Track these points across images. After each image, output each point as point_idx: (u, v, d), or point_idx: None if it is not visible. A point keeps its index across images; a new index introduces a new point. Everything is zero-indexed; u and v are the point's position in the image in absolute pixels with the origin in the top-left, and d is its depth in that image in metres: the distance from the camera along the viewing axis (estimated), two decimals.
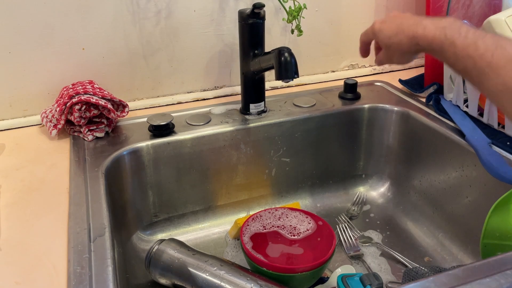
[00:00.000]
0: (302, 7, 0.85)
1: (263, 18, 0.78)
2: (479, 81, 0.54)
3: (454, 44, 0.55)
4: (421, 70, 1.00)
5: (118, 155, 0.75)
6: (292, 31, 0.88)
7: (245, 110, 0.86)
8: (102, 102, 0.77)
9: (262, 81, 0.84)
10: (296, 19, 0.86)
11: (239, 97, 0.88)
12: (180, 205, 0.85)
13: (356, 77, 1.02)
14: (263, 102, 0.86)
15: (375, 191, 0.96)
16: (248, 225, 0.73)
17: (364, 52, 0.75)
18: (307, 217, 0.75)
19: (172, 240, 0.70)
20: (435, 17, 0.62)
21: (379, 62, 0.73)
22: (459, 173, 0.78)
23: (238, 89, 0.94)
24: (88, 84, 0.83)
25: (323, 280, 0.72)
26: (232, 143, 0.84)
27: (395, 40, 0.64)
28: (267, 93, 0.88)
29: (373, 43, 0.73)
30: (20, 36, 0.80)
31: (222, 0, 0.89)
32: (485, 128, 0.78)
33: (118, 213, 0.74)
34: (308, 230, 0.74)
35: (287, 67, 0.71)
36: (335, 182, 0.95)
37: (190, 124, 0.83)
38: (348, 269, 0.72)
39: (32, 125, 0.86)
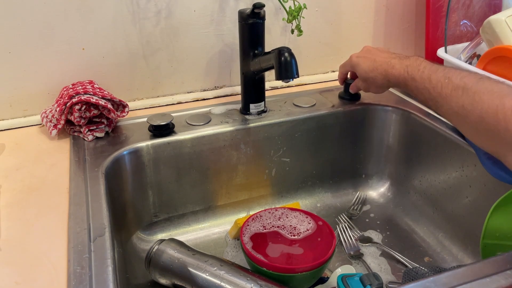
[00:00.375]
0: (302, 7, 0.85)
1: (263, 18, 0.78)
2: (436, 108, 0.64)
3: (414, 79, 0.66)
4: None
5: (118, 155, 0.75)
6: (292, 31, 0.88)
7: (245, 110, 0.86)
8: (102, 102, 0.78)
9: (262, 81, 0.84)
10: (296, 19, 0.86)
11: (239, 97, 0.88)
12: (180, 205, 0.85)
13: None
14: (263, 102, 0.86)
15: (375, 191, 0.96)
16: (248, 225, 0.73)
17: (342, 81, 0.89)
18: (307, 217, 0.75)
19: (172, 240, 0.70)
20: (403, 56, 0.72)
21: (356, 89, 0.85)
22: (459, 173, 0.78)
23: (238, 89, 0.94)
24: (88, 84, 0.83)
25: (323, 280, 0.72)
26: (232, 143, 0.84)
27: (371, 75, 0.75)
28: (267, 93, 0.88)
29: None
30: (20, 36, 0.80)
31: (222, 0, 0.89)
32: None
33: (118, 213, 0.74)
34: (308, 230, 0.74)
35: (287, 67, 0.71)
36: (335, 182, 0.95)
37: (190, 124, 0.83)
38: (348, 269, 0.72)
39: (32, 125, 0.86)
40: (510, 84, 0.56)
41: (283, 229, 0.74)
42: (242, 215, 0.89)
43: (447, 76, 0.61)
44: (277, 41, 0.97)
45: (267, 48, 0.79)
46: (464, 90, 0.58)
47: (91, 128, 0.79)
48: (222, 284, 0.62)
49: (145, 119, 0.82)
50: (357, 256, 0.80)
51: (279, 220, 0.75)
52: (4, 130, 0.84)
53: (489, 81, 0.57)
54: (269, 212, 0.76)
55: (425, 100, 0.66)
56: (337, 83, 0.93)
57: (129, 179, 0.78)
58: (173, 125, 0.81)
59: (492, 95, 0.54)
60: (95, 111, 0.78)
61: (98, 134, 0.79)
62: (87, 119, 0.79)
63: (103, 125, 0.80)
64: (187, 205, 0.86)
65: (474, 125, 0.57)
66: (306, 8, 0.86)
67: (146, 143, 0.78)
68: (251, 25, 0.78)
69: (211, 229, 0.87)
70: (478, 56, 0.88)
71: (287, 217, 0.76)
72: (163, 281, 0.67)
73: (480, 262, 0.52)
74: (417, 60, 0.69)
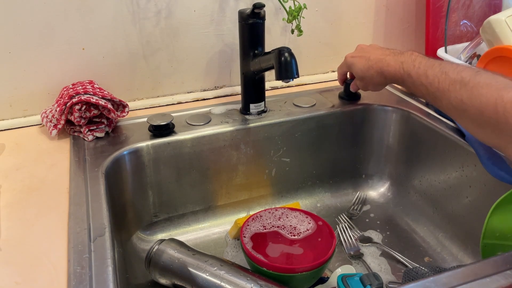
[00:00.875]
0: (302, 7, 0.85)
1: (263, 18, 0.78)
2: (435, 103, 0.64)
3: (410, 76, 0.66)
4: None
5: (118, 155, 0.75)
6: (292, 31, 0.88)
7: (245, 110, 0.86)
8: (102, 102, 0.77)
9: (262, 81, 0.84)
10: (296, 19, 0.86)
11: (239, 97, 0.88)
12: (180, 205, 0.85)
13: None
14: (263, 102, 0.86)
15: (375, 191, 0.96)
16: (248, 225, 0.73)
17: (342, 82, 0.89)
18: (307, 217, 0.75)
19: (172, 240, 0.70)
20: (397, 51, 0.72)
21: (355, 88, 0.84)
22: (459, 173, 0.78)
23: (238, 89, 0.94)
24: (88, 84, 0.83)
25: (323, 280, 0.72)
26: (232, 143, 0.84)
27: (368, 74, 0.75)
28: (267, 93, 0.88)
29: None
30: (20, 36, 0.80)
31: (222, 0, 0.89)
32: None
33: (118, 213, 0.74)
34: (308, 230, 0.74)
35: (287, 67, 0.71)
36: (335, 182, 0.95)
37: (190, 124, 0.83)
38: (348, 269, 0.72)
39: (32, 125, 0.86)
40: (506, 76, 0.57)
41: (283, 229, 0.74)
42: (242, 215, 0.89)
43: (444, 70, 0.61)
44: (277, 41, 0.97)
45: (267, 48, 0.79)
46: (462, 84, 0.58)
47: (91, 128, 0.79)
48: (222, 284, 0.62)
49: (145, 119, 0.82)
50: (357, 256, 0.80)
51: (279, 220, 0.75)
52: (4, 130, 0.84)
53: (486, 74, 0.57)
54: (269, 212, 0.76)
55: (423, 95, 0.66)
56: (337, 83, 0.93)
57: (129, 179, 0.78)
58: (173, 125, 0.81)
59: (490, 88, 0.54)
60: (95, 111, 0.78)
61: (98, 134, 0.79)
62: (87, 119, 0.79)
63: (103, 125, 0.80)
64: (187, 205, 0.86)
65: (473, 119, 0.57)
66: (306, 8, 0.86)
67: (146, 143, 0.78)
68: (251, 25, 0.78)
69: (211, 229, 0.87)
70: (478, 56, 0.88)
71: (287, 217, 0.76)
72: (163, 281, 0.67)
73: (480, 262, 0.52)
74: (412, 55, 0.68)
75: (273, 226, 0.75)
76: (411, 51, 0.70)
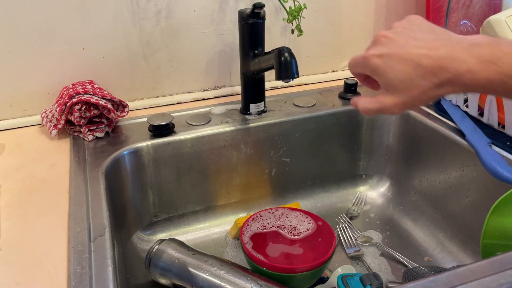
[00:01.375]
0: (302, 7, 0.85)
1: (263, 18, 0.78)
2: None
3: None
4: None
5: (118, 155, 0.75)
6: (292, 31, 0.88)
7: (245, 110, 0.86)
8: (102, 102, 0.77)
9: (262, 81, 0.84)
10: (296, 19, 0.86)
11: (239, 97, 0.88)
12: (180, 205, 0.85)
13: None
14: (263, 102, 0.86)
15: (375, 191, 0.96)
16: (248, 225, 0.73)
17: (363, 81, 0.57)
18: (307, 217, 0.75)
19: (172, 240, 0.70)
20: (461, 38, 0.44)
21: (376, 109, 0.52)
22: (459, 173, 0.78)
23: (238, 89, 0.94)
24: (88, 84, 0.83)
25: (323, 280, 0.72)
26: (232, 143, 0.84)
27: (421, 86, 0.44)
28: (267, 93, 0.88)
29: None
30: (20, 36, 0.80)
31: (222, 0, 0.89)
32: (485, 128, 0.78)
33: (118, 213, 0.74)
34: (308, 230, 0.74)
35: (287, 67, 0.71)
36: (335, 182, 0.95)
37: (190, 124, 0.83)
38: (348, 269, 0.72)
39: (32, 125, 0.86)
40: None
41: (283, 229, 0.74)
42: (242, 215, 0.89)
43: None
44: (277, 41, 0.97)
45: (267, 48, 0.79)
46: None
47: (91, 128, 0.79)
48: (222, 284, 0.62)
49: (145, 119, 0.82)
50: (357, 256, 0.80)
51: (279, 220, 0.75)
52: (4, 130, 0.84)
53: None
54: (269, 212, 0.76)
55: None
56: (337, 83, 0.93)
57: (129, 179, 0.78)
58: (173, 125, 0.81)
59: None
60: (95, 111, 0.78)
61: (98, 134, 0.79)
62: (87, 119, 0.79)
63: (103, 125, 0.80)
64: (187, 205, 0.86)
65: None
66: (306, 8, 0.86)
67: (146, 143, 0.78)
68: (251, 25, 0.78)
69: (211, 229, 0.87)
70: None
71: (287, 217, 0.76)
72: (163, 281, 0.67)
73: (480, 262, 0.52)
74: (497, 45, 0.41)
75: (273, 226, 0.75)
76: (478, 35, 0.45)
